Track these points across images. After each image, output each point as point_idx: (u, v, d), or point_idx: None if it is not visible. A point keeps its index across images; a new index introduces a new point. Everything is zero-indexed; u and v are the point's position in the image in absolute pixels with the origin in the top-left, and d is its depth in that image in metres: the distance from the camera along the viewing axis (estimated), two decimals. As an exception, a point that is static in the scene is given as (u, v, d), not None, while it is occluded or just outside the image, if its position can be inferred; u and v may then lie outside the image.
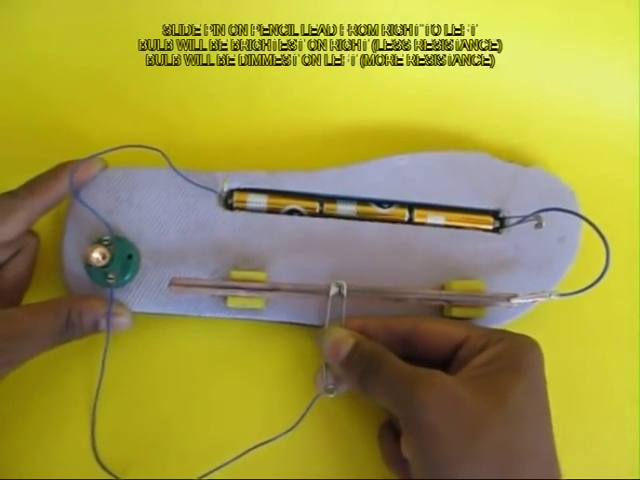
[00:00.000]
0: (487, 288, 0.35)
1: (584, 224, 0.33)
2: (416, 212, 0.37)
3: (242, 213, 0.36)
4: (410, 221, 0.37)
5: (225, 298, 0.34)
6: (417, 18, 0.41)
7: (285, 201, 0.37)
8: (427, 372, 0.28)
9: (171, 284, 0.33)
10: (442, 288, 0.35)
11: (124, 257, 0.34)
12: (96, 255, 0.33)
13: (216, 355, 0.37)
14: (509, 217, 0.37)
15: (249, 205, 0.37)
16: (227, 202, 0.37)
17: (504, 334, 0.31)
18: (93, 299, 0.33)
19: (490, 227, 0.37)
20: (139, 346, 0.36)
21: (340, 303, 0.33)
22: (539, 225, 0.34)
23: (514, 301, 0.33)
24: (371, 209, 0.37)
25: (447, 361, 0.31)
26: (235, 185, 0.37)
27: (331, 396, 0.32)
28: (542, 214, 0.34)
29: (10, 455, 0.35)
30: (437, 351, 0.31)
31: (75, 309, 0.32)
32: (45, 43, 0.41)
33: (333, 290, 0.33)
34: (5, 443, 0.35)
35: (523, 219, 0.35)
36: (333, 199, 0.37)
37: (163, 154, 0.34)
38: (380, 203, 0.37)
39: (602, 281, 0.31)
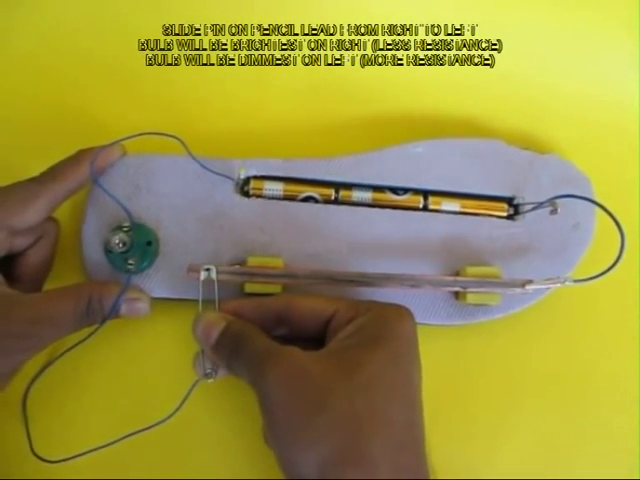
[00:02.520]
0: (502, 274, 0.35)
1: (599, 210, 0.33)
2: (431, 199, 0.37)
3: (259, 200, 0.37)
4: (425, 208, 0.37)
5: (242, 284, 0.34)
6: (417, 18, 0.41)
7: (301, 188, 0.37)
8: (278, 348, 0.28)
9: (189, 270, 0.33)
10: (457, 274, 0.36)
11: (143, 243, 0.35)
12: (117, 241, 0.33)
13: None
14: (524, 204, 0.37)
15: (265, 192, 0.37)
16: (244, 189, 0.37)
17: (372, 305, 0.30)
18: (113, 285, 0.33)
19: (505, 214, 0.37)
20: (156, 330, 0.37)
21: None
22: (554, 211, 0.34)
23: (529, 287, 0.33)
24: (386, 196, 0.37)
25: (322, 336, 0.31)
26: (252, 172, 0.37)
27: (210, 381, 0.32)
28: (557, 200, 0.34)
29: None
30: (310, 327, 0.31)
31: (95, 295, 0.32)
32: (54, 37, 0.42)
33: (203, 274, 0.32)
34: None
35: (538, 206, 0.35)
36: (349, 186, 0.38)
37: (181, 141, 0.35)
38: (395, 190, 0.38)
39: (617, 267, 0.32)
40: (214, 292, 0.35)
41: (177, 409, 0.34)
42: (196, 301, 0.35)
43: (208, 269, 0.32)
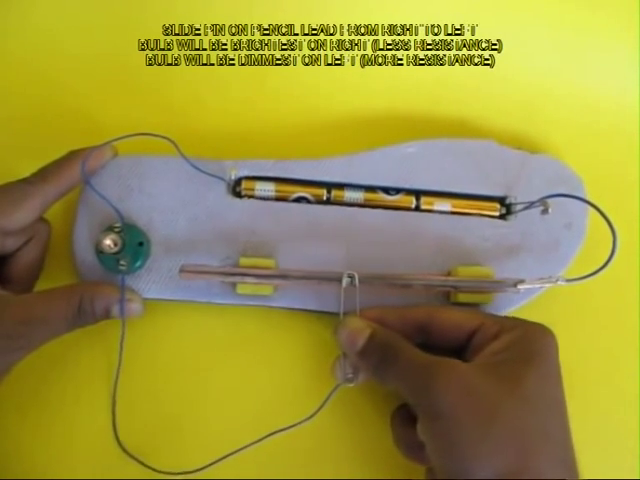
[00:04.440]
0: (494, 274, 0.35)
1: (591, 210, 0.33)
2: (423, 199, 0.37)
3: (250, 201, 0.37)
4: (417, 208, 0.37)
5: (234, 285, 0.35)
6: (417, 18, 0.41)
7: (293, 189, 0.37)
8: (443, 360, 0.29)
9: (181, 271, 0.34)
10: (449, 274, 0.36)
11: (135, 244, 0.35)
12: (108, 242, 0.33)
13: (225, 341, 0.37)
14: (516, 203, 0.37)
15: (257, 193, 0.37)
16: (235, 190, 0.37)
17: (517, 321, 0.31)
18: (105, 286, 0.34)
19: (497, 214, 0.37)
20: (148, 332, 0.37)
21: (352, 292, 0.33)
22: (545, 211, 0.34)
23: (521, 287, 0.33)
24: (378, 196, 0.37)
25: (462, 348, 0.31)
26: (243, 173, 0.37)
27: (351, 385, 0.33)
28: (549, 200, 0.34)
29: (24, 439, 0.36)
30: (452, 338, 0.32)
31: (87, 296, 0.32)
32: (54, 36, 0.42)
33: (345, 281, 0.33)
34: (20, 426, 0.36)
35: (529, 205, 0.35)
36: (340, 186, 0.37)
37: (172, 142, 0.35)
38: (387, 190, 0.38)
39: (609, 266, 0.32)
40: (203, 292, 0.36)
41: (317, 411, 0.33)
42: (188, 302, 0.36)
43: (351, 275, 0.33)
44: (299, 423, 0.33)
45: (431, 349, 0.30)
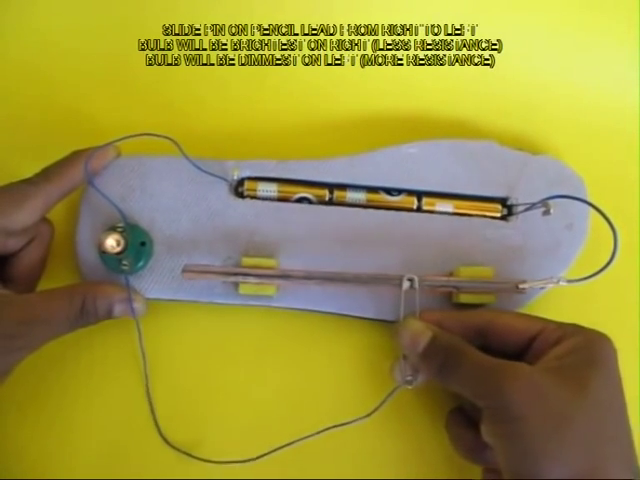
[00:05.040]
0: (496, 274, 0.35)
1: (592, 210, 0.33)
2: (425, 200, 0.37)
3: (253, 201, 0.37)
4: (419, 209, 0.37)
5: (237, 285, 0.35)
6: (417, 18, 0.41)
7: (295, 189, 0.37)
8: (510, 363, 0.29)
9: (184, 271, 0.34)
10: (451, 275, 0.36)
11: (137, 244, 0.35)
12: (110, 242, 0.33)
13: (226, 341, 0.37)
14: (517, 204, 0.37)
15: (260, 193, 0.37)
16: (238, 190, 0.37)
17: (578, 328, 0.31)
18: (107, 285, 0.33)
19: (498, 214, 0.37)
20: (150, 332, 0.37)
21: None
22: (547, 212, 0.34)
23: (522, 287, 0.34)
24: (380, 197, 0.38)
25: (520, 352, 0.32)
26: (246, 173, 0.37)
27: (410, 387, 0.33)
28: (550, 201, 0.34)
29: (24, 439, 0.36)
30: (511, 343, 0.32)
31: (90, 295, 0.32)
32: (54, 37, 0.42)
33: (405, 285, 0.33)
34: (20, 426, 0.36)
35: (531, 206, 0.35)
36: (343, 187, 0.38)
37: (175, 142, 0.35)
38: (389, 191, 0.38)
39: (610, 267, 0.32)
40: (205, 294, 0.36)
41: (375, 410, 0.33)
42: (190, 302, 0.36)
43: (411, 279, 0.33)
44: (355, 420, 0.33)
45: (489, 352, 0.30)
